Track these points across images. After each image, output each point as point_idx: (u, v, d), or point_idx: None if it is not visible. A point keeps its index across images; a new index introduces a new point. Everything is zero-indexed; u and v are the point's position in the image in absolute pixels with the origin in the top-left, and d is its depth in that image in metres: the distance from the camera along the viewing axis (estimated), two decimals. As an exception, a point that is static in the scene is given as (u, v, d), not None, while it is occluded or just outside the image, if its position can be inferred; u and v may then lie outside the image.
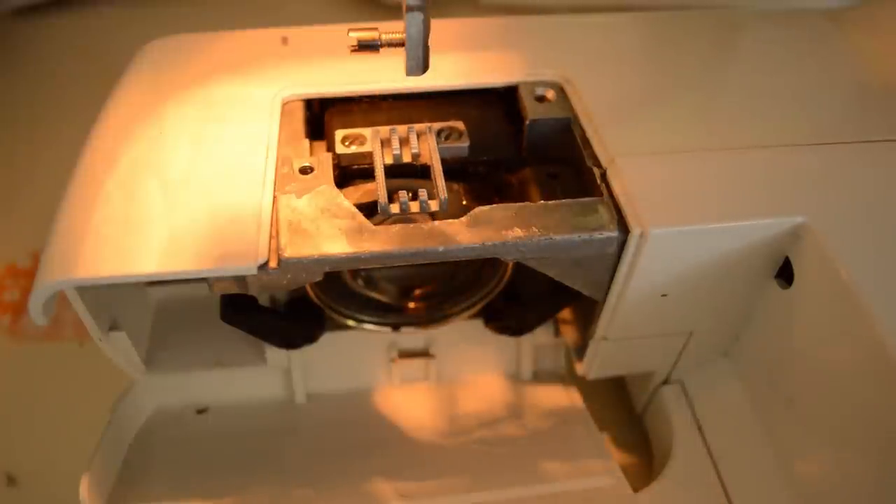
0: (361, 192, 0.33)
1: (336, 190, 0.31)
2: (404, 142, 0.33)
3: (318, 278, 0.30)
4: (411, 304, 0.39)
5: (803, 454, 0.34)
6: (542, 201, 0.31)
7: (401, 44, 0.29)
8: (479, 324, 0.40)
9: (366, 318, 0.38)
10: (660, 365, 0.39)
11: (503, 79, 0.37)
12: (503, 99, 0.37)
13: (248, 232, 0.29)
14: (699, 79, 0.38)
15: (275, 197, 0.31)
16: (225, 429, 0.40)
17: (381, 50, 0.30)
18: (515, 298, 0.38)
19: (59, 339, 0.48)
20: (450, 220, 0.30)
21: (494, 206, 0.31)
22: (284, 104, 0.36)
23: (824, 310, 0.30)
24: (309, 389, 0.41)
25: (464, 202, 0.34)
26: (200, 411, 0.40)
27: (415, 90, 0.37)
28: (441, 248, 0.29)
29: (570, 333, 0.40)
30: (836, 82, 0.38)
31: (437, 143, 0.33)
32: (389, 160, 0.33)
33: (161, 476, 0.37)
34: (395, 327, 0.38)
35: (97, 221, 0.30)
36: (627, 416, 0.44)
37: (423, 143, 0.33)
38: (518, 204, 0.31)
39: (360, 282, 0.38)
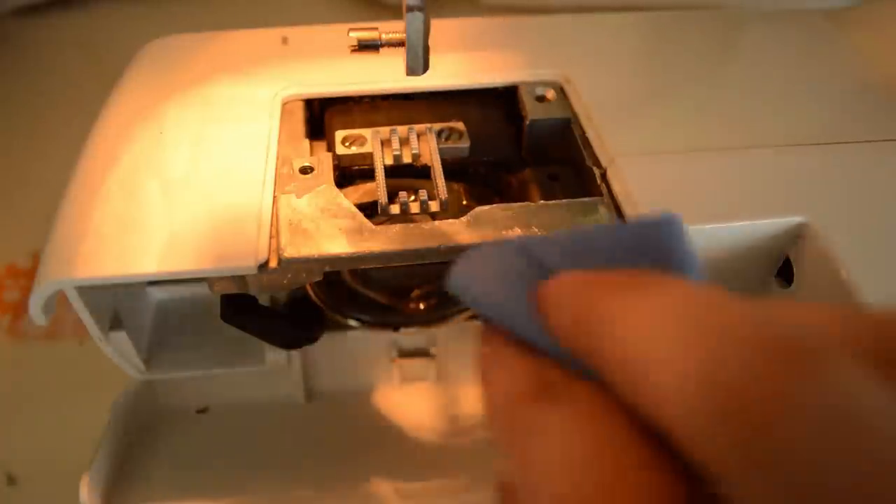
0: (361, 192, 0.33)
1: (336, 190, 0.31)
2: (404, 142, 0.33)
3: (319, 278, 0.30)
4: (412, 305, 0.39)
5: (803, 454, 0.34)
6: (543, 201, 0.31)
7: (401, 44, 0.29)
8: (479, 324, 0.40)
9: (366, 317, 0.38)
10: (660, 365, 0.39)
11: (503, 79, 0.37)
12: (503, 99, 0.37)
13: (248, 232, 0.29)
14: (699, 79, 0.38)
15: (275, 196, 0.31)
16: (225, 429, 0.40)
17: (381, 50, 0.30)
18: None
19: (59, 339, 0.48)
20: (450, 220, 0.30)
21: (495, 205, 0.30)
22: (284, 104, 0.36)
23: (824, 310, 0.30)
24: (309, 389, 0.41)
25: (464, 202, 0.34)
26: (200, 411, 0.40)
27: (415, 90, 0.37)
28: (441, 248, 0.29)
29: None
30: (835, 82, 0.38)
31: (438, 144, 0.33)
32: (390, 161, 0.33)
33: (161, 476, 0.37)
34: (396, 327, 0.38)
35: (97, 221, 0.30)
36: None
37: (424, 143, 0.33)
38: (518, 204, 0.31)
39: (360, 281, 0.38)
